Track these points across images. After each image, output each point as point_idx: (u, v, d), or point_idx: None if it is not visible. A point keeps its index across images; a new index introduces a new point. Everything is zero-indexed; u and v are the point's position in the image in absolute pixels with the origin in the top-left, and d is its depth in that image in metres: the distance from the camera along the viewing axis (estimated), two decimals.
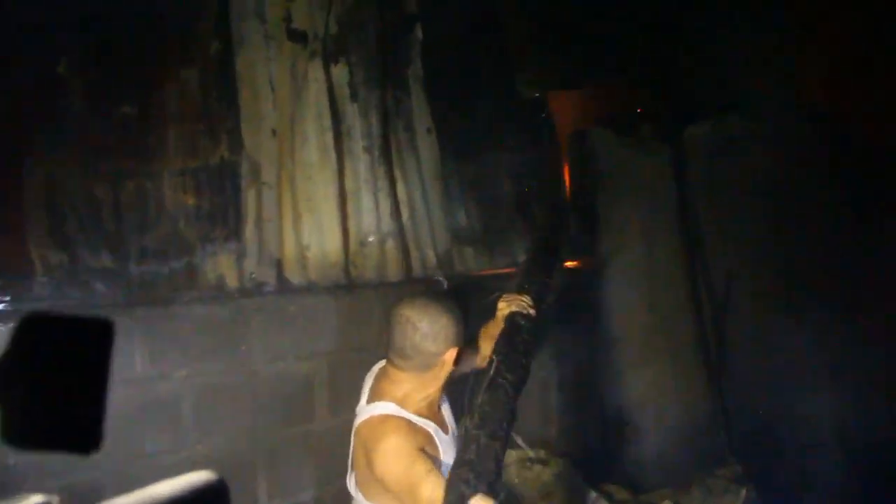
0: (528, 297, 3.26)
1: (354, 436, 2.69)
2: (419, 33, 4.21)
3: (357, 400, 2.94)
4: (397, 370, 2.65)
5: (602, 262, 4.62)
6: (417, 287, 3.93)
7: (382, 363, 2.90)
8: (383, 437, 2.52)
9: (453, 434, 2.89)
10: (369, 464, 2.56)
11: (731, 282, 4.75)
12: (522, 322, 3.06)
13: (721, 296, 4.75)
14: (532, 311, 3.21)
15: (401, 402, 2.63)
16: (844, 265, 4.55)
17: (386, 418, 2.57)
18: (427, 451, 2.59)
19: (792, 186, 4.75)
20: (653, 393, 4.61)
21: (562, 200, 4.68)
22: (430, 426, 2.69)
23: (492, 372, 2.87)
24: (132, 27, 3.41)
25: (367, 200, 3.88)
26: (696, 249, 4.78)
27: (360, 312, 3.76)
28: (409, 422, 2.61)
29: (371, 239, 3.88)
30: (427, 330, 2.56)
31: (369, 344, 3.72)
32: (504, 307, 3.20)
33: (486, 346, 3.30)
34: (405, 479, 2.48)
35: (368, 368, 3.45)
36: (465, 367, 3.09)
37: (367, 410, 2.65)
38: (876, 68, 4.47)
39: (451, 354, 2.63)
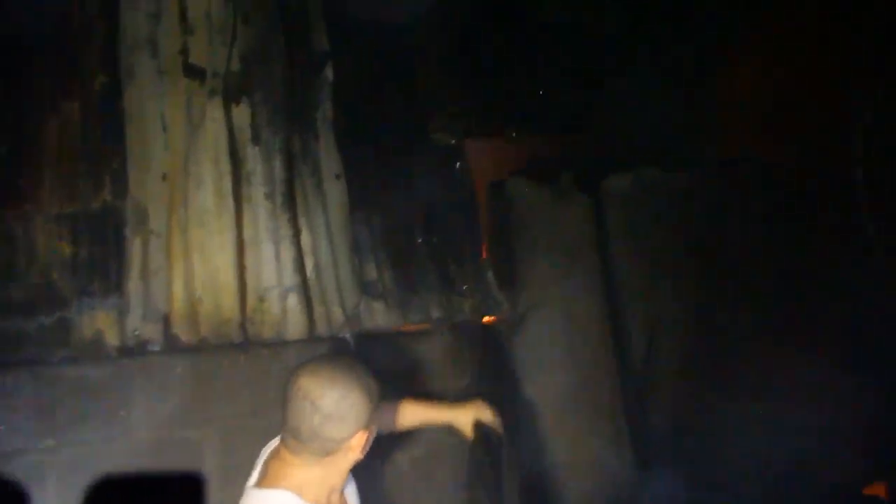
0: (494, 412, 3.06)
1: None
2: (329, 73, 3.95)
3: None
4: (291, 454, 2.18)
5: (520, 319, 4.38)
6: (320, 347, 3.62)
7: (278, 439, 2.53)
8: None
9: None
10: None
11: (652, 337, 4.57)
12: (493, 440, 3.01)
13: (642, 352, 4.56)
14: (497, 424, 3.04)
15: (300, 491, 2.16)
16: (767, 318, 4.45)
17: None
18: None
19: (712, 238, 4.65)
20: (573, 458, 4.36)
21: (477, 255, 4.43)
22: None
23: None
24: (3, 52, 3.08)
25: (267, 251, 3.57)
26: (618, 304, 4.58)
27: (257, 374, 3.43)
28: None
29: (271, 293, 3.55)
30: (330, 410, 2.08)
31: (266, 409, 3.37)
32: (471, 408, 3.04)
33: (415, 415, 3.02)
34: None
35: (264, 435, 3.11)
36: (382, 428, 2.71)
37: (256, 498, 2.21)
38: (796, 119, 4.42)
39: (360, 439, 2.18)
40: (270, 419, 3.36)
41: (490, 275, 4.39)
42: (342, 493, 2.39)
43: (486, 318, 4.33)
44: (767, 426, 3.94)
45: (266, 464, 2.31)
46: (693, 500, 4.14)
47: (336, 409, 2.08)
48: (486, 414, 3.04)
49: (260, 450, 2.53)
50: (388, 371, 3.71)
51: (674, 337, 4.57)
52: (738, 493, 4.09)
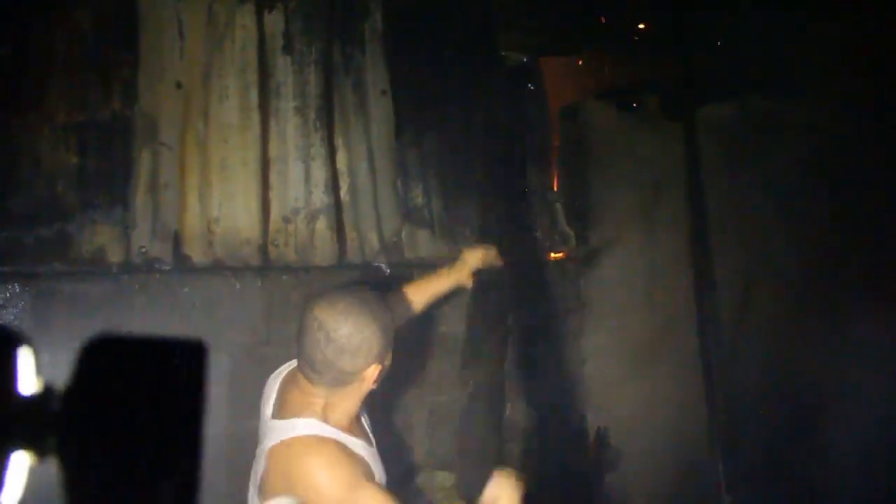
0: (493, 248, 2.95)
1: (267, 458, 2.18)
2: None
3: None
4: (309, 383, 2.17)
5: (593, 256, 3.97)
6: (349, 274, 3.37)
7: (291, 365, 2.37)
8: (317, 467, 2.08)
9: (375, 446, 2.39)
10: (296, 495, 2.09)
11: (746, 287, 4.05)
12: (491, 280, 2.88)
13: (734, 302, 4.05)
14: (499, 262, 2.94)
15: (324, 418, 2.17)
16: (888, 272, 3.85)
17: (314, 441, 2.12)
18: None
19: (827, 181, 4.05)
20: (643, 411, 3.95)
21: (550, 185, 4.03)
22: (357, 444, 2.23)
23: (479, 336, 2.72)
24: None
25: (295, 169, 3.34)
26: (707, 245, 4.07)
27: (276, 300, 3.23)
28: (342, 444, 2.16)
29: (298, 215, 3.33)
30: (344, 343, 2.06)
31: (284, 337, 3.18)
32: (469, 259, 2.91)
33: (421, 295, 2.88)
34: None
35: (280, 366, 2.94)
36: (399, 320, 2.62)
37: (281, 428, 2.18)
38: None
39: (374, 371, 2.15)
40: (289, 348, 3.17)
41: (559, 206, 3.99)
42: (360, 417, 2.38)
43: (551, 254, 3.95)
44: (872, 399, 3.41)
45: (282, 394, 2.29)
46: (778, 469, 3.68)
47: (349, 342, 2.07)
48: (479, 257, 2.95)
49: None
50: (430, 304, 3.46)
51: (771, 288, 4.03)
52: (832, 467, 3.58)
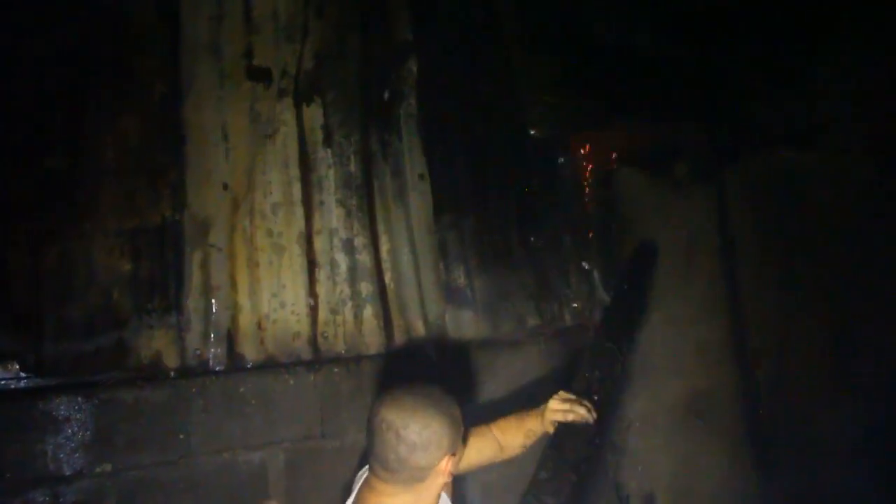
0: (590, 404, 2.67)
1: None
2: (413, 66, 3.69)
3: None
4: (382, 482, 2.19)
5: (629, 323, 3.99)
6: (397, 361, 3.40)
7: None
8: None
9: None
10: None
11: (782, 349, 4.08)
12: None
13: (771, 366, 4.07)
14: (592, 421, 2.64)
15: None
16: None
17: None
18: None
19: (860, 234, 4.07)
20: (689, 480, 3.95)
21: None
22: None
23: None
24: (60, 67, 3.02)
25: (341, 260, 3.39)
26: (744, 309, 4.10)
27: (328, 392, 3.27)
28: None
29: (345, 305, 3.37)
30: (415, 440, 2.09)
31: (338, 430, 3.22)
32: (556, 410, 2.64)
33: (511, 438, 2.70)
34: None
35: (336, 458, 3.03)
36: (480, 459, 2.64)
37: None
38: None
39: (447, 464, 2.17)
40: (343, 440, 3.22)
41: (596, 276, 4.03)
42: None
43: (590, 324, 3.98)
44: None
45: (359, 494, 2.29)
46: None
47: (420, 439, 2.09)
48: (564, 409, 2.65)
49: (329, 472, 2.86)
50: (477, 385, 3.50)
51: (808, 351, 4.04)
52: None
